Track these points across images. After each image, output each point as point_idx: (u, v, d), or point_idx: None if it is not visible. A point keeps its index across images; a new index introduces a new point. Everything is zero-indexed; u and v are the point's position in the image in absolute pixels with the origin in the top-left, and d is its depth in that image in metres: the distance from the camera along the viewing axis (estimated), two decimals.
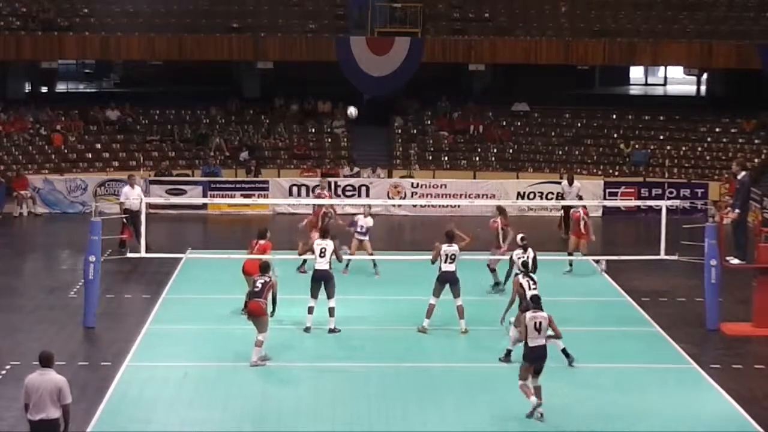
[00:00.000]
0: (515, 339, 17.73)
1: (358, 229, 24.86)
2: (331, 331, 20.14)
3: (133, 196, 26.59)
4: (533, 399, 15.72)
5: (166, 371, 18.03)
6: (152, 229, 25.65)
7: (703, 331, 20.86)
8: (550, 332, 15.99)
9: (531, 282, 18.61)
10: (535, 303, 16.19)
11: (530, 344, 15.79)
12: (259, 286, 18.20)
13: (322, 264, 20.19)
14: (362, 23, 38.48)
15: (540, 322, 15.84)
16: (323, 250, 20.22)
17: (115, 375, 17.71)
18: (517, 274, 19.11)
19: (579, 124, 39.79)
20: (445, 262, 19.98)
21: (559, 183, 31.70)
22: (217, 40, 37.66)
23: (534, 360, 15.81)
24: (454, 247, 20.11)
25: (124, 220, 26.42)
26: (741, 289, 22.18)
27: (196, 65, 40.35)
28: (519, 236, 21.15)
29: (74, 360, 18.56)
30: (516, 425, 15.81)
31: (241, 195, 33.47)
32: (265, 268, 18.64)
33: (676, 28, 38.99)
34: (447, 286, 20.05)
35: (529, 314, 15.95)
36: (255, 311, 18.07)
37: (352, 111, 30.85)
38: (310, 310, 20.25)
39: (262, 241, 21.28)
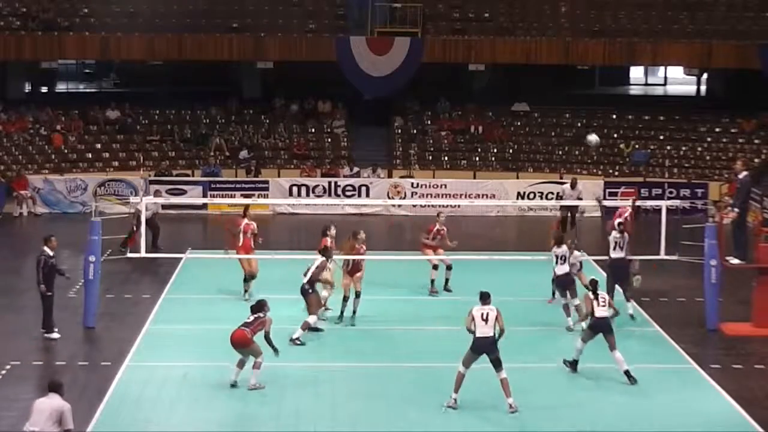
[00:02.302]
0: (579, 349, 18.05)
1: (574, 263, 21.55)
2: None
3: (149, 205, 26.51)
4: (453, 395, 16.21)
5: (166, 371, 18.04)
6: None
7: (703, 331, 20.87)
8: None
9: (601, 300, 17.95)
10: (483, 299, 16.47)
11: (477, 334, 16.19)
12: (251, 319, 17.30)
13: None
14: (362, 23, 38.45)
15: (487, 314, 16.22)
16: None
17: (115, 375, 17.72)
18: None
19: (579, 124, 39.76)
20: None
21: (559, 183, 31.67)
22: (217, 40, 37.63)
23: (477, 350, 16.20)
24: None
25: (134, 227, 26.48)
26: (741, 289, 22.18)
27: (196, 65, 40.32)
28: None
29: (74, 360, 18.57)
30: (518, 425, 15.81)
31: (241, 195, 33.48)
32: (258, 307, 17.54)
33: (676, 28, 38.97)
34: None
35: (476, 307, 16.35)
36: (240, 341, 17.07)
37: (592, 139, 24.64)
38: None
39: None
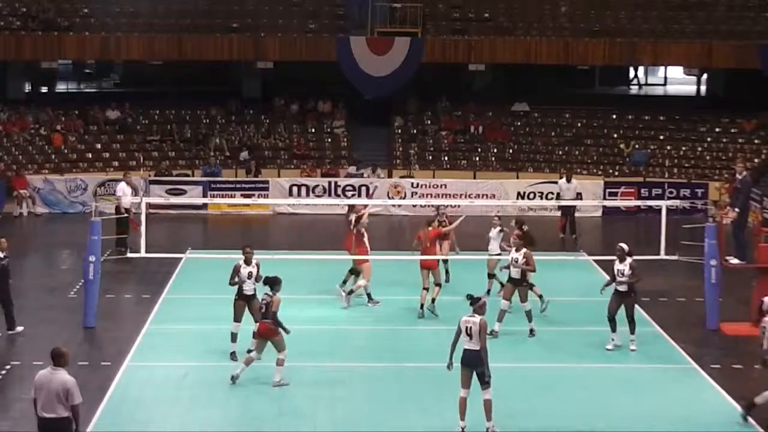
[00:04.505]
0: None
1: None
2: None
3: (129, 193, 27.15)
4: (461, 423, 15.31)
5: (166, 371, 18.05)
6: (152, 229, 25.65)
7: (703, 331, 20.86)
8: None
9: None
10: (471, 304, 15.62)
11: (465, 346, 15.40)
12: (263, 306, 17.26)
13: None
14: (362, 23, 38.47)
15: (471, 327, 15.32)
16: None
17: (115, 375, 17.73)
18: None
19: (579, 124, 39.78)
20: None
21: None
22: (217, 40, 37.66)
23: (464, 363, 15.42)
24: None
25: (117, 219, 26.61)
26: (741, 289, 22.17)
27: (196, 65, 40.34)
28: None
29: (74, 360, 18.41)
30: (517, 425, 15.80)
31: (241, 195, 33.48)
32: (269, 282, 17.49)
33: (676, 28, 38.99)
34: None
35: (464, 318, 15.47)
36: (266, 333, 17.18)
37: None
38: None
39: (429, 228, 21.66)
